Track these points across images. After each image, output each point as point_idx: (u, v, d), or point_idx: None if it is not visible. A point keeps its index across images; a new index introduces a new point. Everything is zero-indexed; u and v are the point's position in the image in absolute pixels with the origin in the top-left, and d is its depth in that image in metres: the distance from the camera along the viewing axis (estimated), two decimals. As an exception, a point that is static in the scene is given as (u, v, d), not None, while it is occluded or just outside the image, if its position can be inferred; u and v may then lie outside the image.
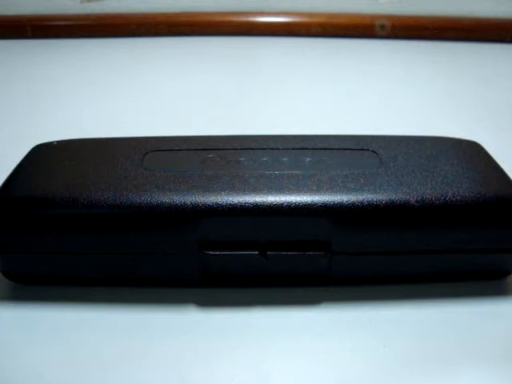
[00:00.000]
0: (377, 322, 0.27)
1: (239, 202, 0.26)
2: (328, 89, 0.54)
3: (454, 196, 0.27)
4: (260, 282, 0.28)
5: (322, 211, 0.26)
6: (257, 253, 0.27)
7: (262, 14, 0.68)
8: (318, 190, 0.27)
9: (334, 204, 0.26)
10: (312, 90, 0.53)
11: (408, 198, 0.27)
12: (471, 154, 0.31)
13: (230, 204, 0.26)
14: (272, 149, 0.31)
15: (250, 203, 0.26)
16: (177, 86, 0.54)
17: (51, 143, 0.32)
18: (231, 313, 0.27)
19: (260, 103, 0.50)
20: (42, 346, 0.26)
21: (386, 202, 0.27)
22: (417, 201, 0.27)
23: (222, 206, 0.26)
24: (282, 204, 0.26)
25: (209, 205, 0.26)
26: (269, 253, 0.27)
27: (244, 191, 0.27)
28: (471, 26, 0.66)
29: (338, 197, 0.27)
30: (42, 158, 0.31)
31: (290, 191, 0.27)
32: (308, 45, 0.66)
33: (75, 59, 0.62)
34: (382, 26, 0.66)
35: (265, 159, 0.30)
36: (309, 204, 0.26)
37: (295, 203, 0.26)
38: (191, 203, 0.26)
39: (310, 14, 0.68)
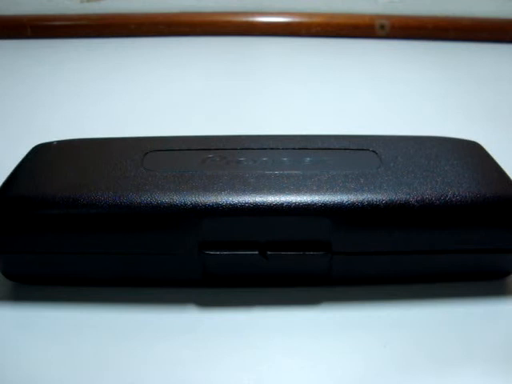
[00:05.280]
0: (377, 322, 0.27)
1: (239, 202, 0.26)
2: (328, 89, 0.54)
3: (454, 196, 0.27)
4: (260, 282, 0.28)
5: (322, 211, 0.26)
6: (257, 253, 0.27)
7: (261, 14, 0.68)
8: (318, 190, 0.27)
9: (334, 204, 0.26)
10: (312, 89, 0.53)
11: (408, 197, 0.27)
12: (471, 154, 0.31)
13: (230, 204, 0.26)
14: (272, 149, 0.31)
15: (250, 203, 0.26)
16: (177, 86, 0.54)
17: (51, 143, 0.32)
18: (231, 313, 0.27)
19: (260, 103, 0.50)
20: (41, 345, 0.26)
21: (386, 202, 0.27)
22: (417, 201, 0.27)
23: (222, 206, 0.26)
24: (282, 204, 0.26)
25: (209, 205, 0.26)
26: (269, 253, 0.27)
27: (244, 191, 0.27)
28: (471, 26, 0.66)
29: (338, 197, 0.27)
30: (42, 158, 0.31)
31: (290, 191, 0.27)
32: (308, 45, 0.66)
33: (75, 59, 0.62)
34: (382, 26, 0.66)
35: (265, 159, 0.30)
36: (309, 204, 0.26)
37: (295, 203, 0.26)
38: (191, 203, 0.26)
39: (309, 14, 0.68)
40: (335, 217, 0.26)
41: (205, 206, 0.26)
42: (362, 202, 0.27)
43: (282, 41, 0.66)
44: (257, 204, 0.26)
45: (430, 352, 0.25)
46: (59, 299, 0.28)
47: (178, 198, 0.27)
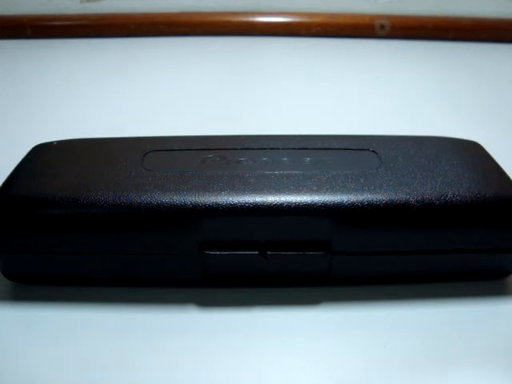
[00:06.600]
0: (377, 322, 0.27)
1: (239, 202, 0.26)
2: (328, 89, 0.54)
3: (454, 196, 0.27)
4: (260, 282, 0.28)
5: (322, 211, 0.26)
6: (257, 253, 0.27)
7: (261, 14, 0.68)
8: (318, 190, 0.27)
9: (334, 204, 0.26)
10: (312, 89, 0.53)
11: (408, 197, 0.27)
12: (471, 154, 0.31)
13: (230, 204, 0.26)
14: (272, 149, 0.31)
15: (250, 203, 0.26)
16: (177, 86, 0.54)
17: (51, 143, 0.32)
18: (231, 313, 0.27)
19: (260, 103, 0.50)
20: (41, 345, 0.26)
21: (386, 202, 0.27)
22: (417, 201, 0.27)
23: (222, 206, 0.26)
24: (282, 204, 0.26)
25: (209, 205, 0.26)
26: (269, 253, 0.27)
27: (244, 191, 0.27)
28: (471, 26, 0.66)
29: (338, 197, 0.27)
30: (42, 158, 0.31)
31: (290, 191, 0.27)
32: (308, 45, 0.66)
33: (75, 59, 0.62)
34: (382, 26, 0.66)
35: (265, 159, 0.30)
36: (309, 204, 0.26)
37: (295, 203, 0.26)
38: (191, 203, 0.26)
39: (309, 14, 0.68)
40: (335, 217, 0.26)
41: (205, 205, 0.26)
42: (361, 202, 0.27)
43: (282, 41, 0.67)
44: (257, 204, 0.26)
45: (430, 352, 0.25)
46: (59, 299, 0.28)
47: (177, 198, 0.27)
